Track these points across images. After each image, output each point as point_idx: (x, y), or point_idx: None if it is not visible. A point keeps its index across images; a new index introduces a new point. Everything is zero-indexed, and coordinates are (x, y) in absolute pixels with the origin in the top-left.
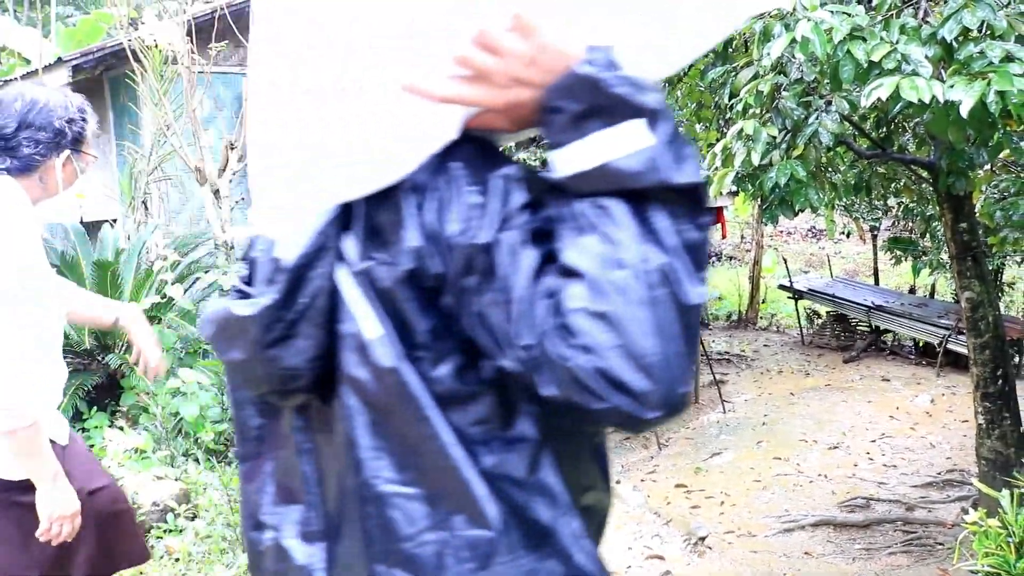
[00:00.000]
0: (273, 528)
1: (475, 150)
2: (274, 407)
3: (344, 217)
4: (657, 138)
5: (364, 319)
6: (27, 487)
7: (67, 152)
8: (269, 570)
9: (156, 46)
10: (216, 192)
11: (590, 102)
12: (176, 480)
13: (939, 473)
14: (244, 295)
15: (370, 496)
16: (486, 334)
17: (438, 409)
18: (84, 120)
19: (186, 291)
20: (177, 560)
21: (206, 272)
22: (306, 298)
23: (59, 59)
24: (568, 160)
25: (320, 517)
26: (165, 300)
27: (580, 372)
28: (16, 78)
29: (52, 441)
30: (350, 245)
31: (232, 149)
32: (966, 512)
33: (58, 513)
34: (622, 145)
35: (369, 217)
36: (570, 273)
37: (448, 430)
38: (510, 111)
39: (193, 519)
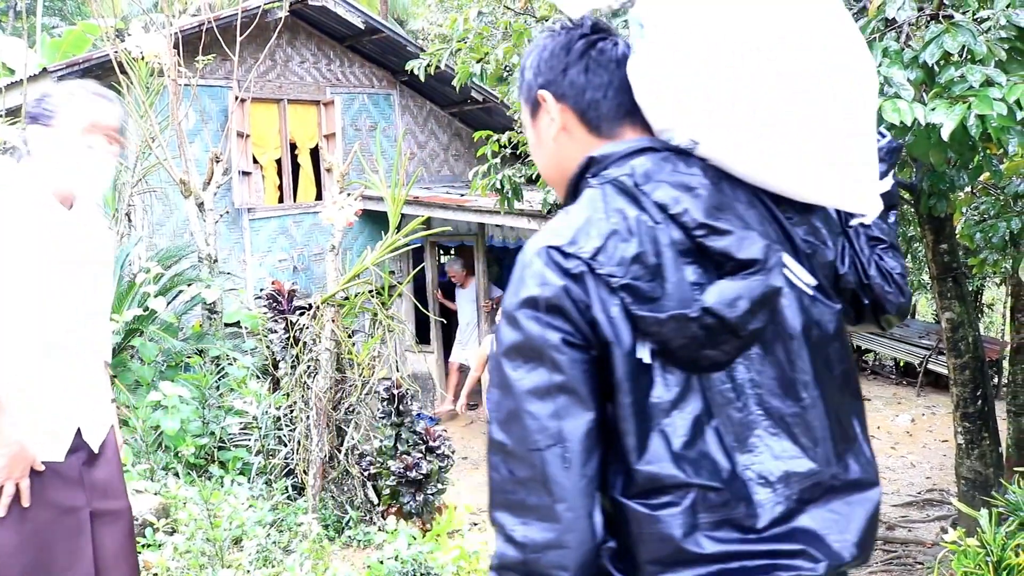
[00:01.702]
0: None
1: None
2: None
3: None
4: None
5: (806, 278)
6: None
7: (32, 126)
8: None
9: (142, 58)
10: (200, 205)
11: (893, 160)
12: (156, 494)
13: (919, 493)
14: (647, 298)
15: (828, 407)
16: (859, 294)
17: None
18: (51, 96)
19: (169, 304)
20: (156, 575)
21: (189, 285)
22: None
23: (44, 69)
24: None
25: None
26: (148, 313)
27: (906, 305)
28: (0, 89)
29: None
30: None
31: (217, 162)
32: (945, 531)
33: None
34: (889, 182)
35: (800, 222)
36: (885, 247)
37: None
38: None
39: (172, 534)
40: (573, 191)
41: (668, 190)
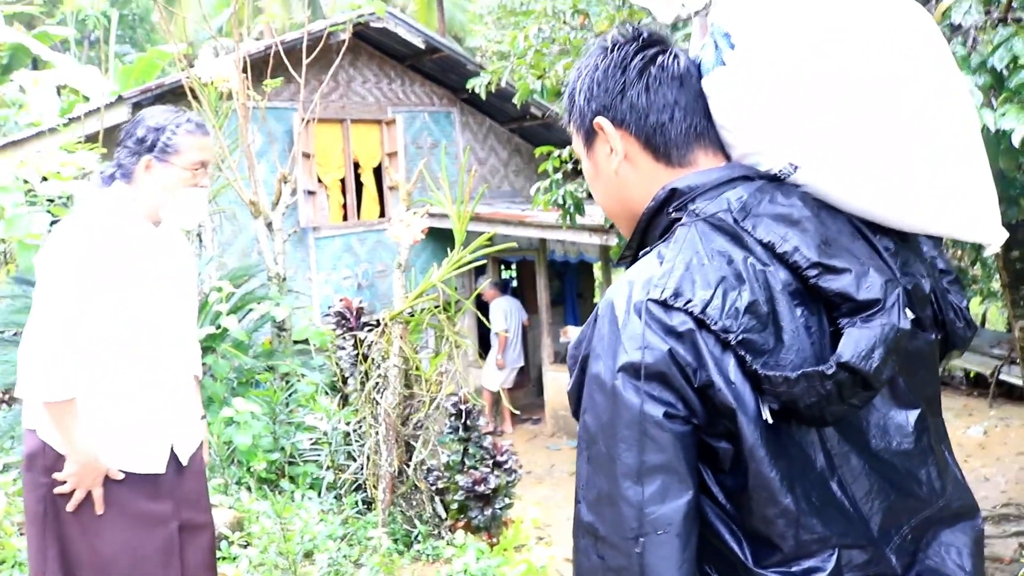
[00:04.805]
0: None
1: None
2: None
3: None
4: None
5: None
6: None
7: (147, 156)
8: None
9: (212, 83)
10: (269, 224)
11: None
12: (230, 508)
13: (994, 507)
14: (763, 351)
15: (929, 439)
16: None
17: None
18: (174, 132)
19: (240, 321)
20: None
21: (259, 303)
22: None
23: (119, 96)
24: None
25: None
26: (220, 331)
27: (970, 340)
28: (79, 116)
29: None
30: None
31: (285, 182)
32: None
33: (70, 472)
34: None
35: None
36: (951, 280)
37: None
38: None
39: (246, 547)
40: (645, 228)
41: (772, 225)
